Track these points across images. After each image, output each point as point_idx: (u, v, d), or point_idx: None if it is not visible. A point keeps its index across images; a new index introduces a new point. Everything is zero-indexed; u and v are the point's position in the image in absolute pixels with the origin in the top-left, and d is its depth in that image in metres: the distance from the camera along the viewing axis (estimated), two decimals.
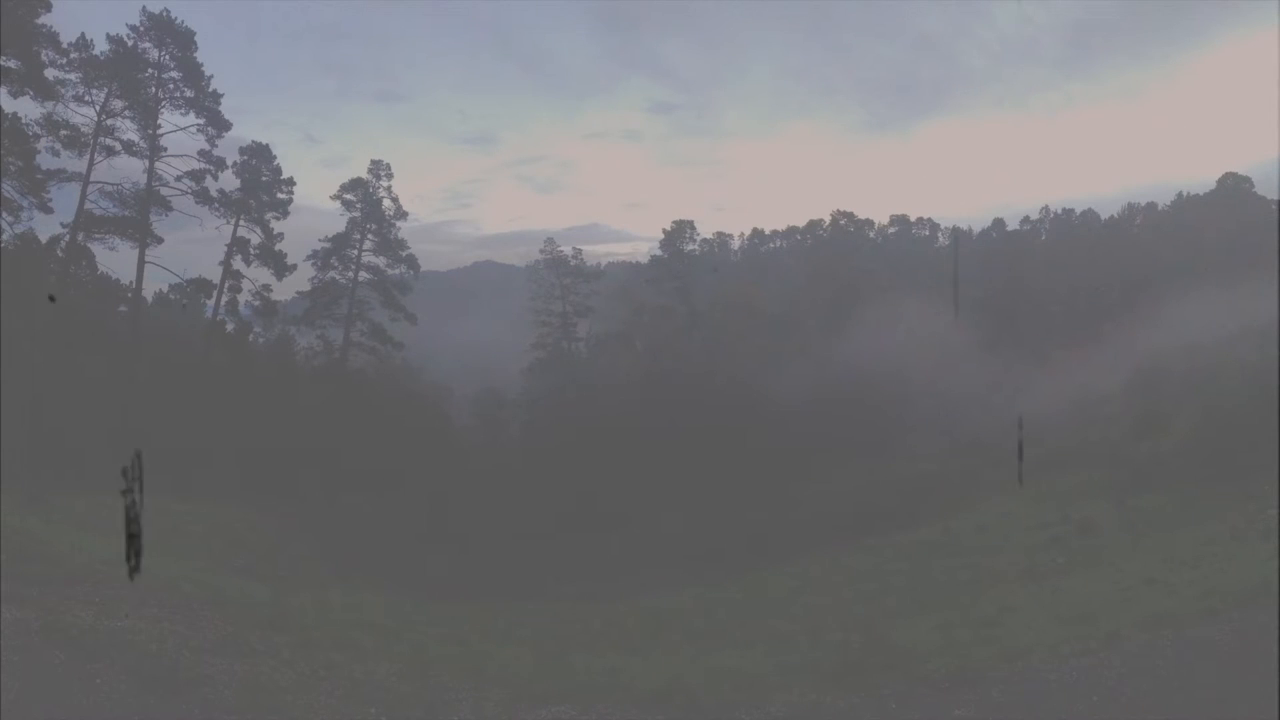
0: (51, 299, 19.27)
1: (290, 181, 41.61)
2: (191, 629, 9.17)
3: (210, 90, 37.51)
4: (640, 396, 51.85)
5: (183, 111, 37.27)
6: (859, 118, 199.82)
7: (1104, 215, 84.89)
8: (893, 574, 21.98)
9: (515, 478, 45.02)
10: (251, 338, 45.08)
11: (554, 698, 8.88)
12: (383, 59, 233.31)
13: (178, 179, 37.70)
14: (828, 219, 76.36)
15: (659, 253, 61.31)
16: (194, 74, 37.18)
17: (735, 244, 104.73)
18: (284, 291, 43.61)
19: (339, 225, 45.28)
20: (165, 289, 47.22)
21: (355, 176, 45.38)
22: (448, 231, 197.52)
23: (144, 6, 36.11)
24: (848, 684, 8.68)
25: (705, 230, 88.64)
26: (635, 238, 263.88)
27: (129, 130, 36.12)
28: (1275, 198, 63.20)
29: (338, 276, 44.88)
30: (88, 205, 35.34)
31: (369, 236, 45.26)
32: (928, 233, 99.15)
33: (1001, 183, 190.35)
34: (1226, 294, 45.99)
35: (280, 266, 40.99)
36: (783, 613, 17.88)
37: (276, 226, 41.12)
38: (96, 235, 36.08)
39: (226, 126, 38.30)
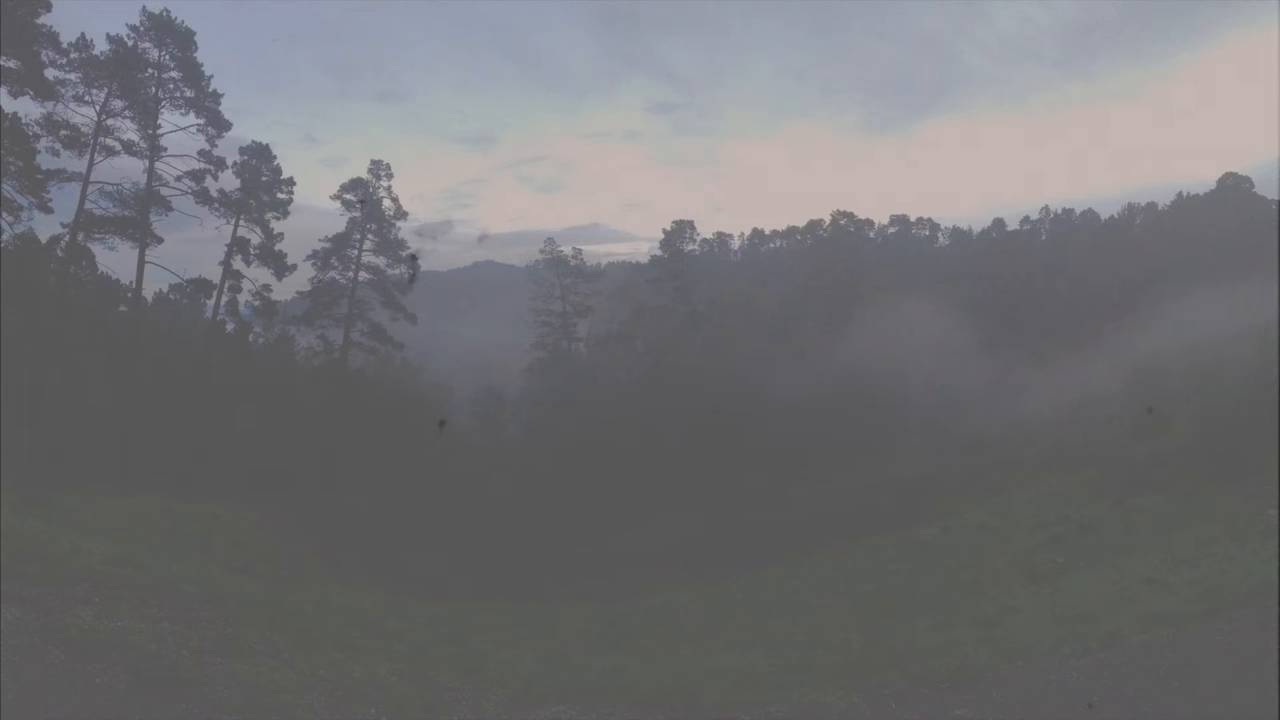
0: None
1: (290, 181, 41.69)
2: (191, 629, 9.16)
3: (210, 90, 37.54)
4: (640, 396, 51.87)
5: (183, 111, 37.32)
6: (859, 118, 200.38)
7: (1104, 215, 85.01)
8: (893, 574, 21.97)
9: (515, 478, 45.04)
10: (251, 338, 45.08)
11: (554, 698, 8.88)
12: (383, 59, 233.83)
13: (178, 179, 37.75)
14: (828, 219, 76.27)
15: (659, 253, 61.42)
16: (194, 74, 37.18)
17: (735, 244, 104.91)
18: (284, 291, 43.69)
19: (339, 225, 45.38)
20: (165, 289, 47.39)
21: (355, 176, 45.48)
22: (448, 231, 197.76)
23: (144, 6, 36.17)
24: (848, 684, 8.67)
25: (705, 230, 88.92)
26: (635, 238, 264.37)
27: (129, 130, 36.17)
28: (1275, 198, 63.45)
29: (338, 276, 44.94)
30: (88, 205, 35.36)
31: (369, 236, 45.29)
32: (928, 233, 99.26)
33: (1001, 183, 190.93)
34: (1226, 294, 46.03)
35: (280, 266, 40.98)
36: (783, 613, 17.87)
37: (276, 226, 41.19)
38: (96, 235, 36.07)
39: (226, 126, 38.35)
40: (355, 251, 44.99)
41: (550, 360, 56.36)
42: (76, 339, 34.10)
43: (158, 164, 37.06)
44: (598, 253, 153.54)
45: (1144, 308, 53.12)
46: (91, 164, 34.99)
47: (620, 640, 15.44)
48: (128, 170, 36.62)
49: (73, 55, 34.23)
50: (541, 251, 58.78)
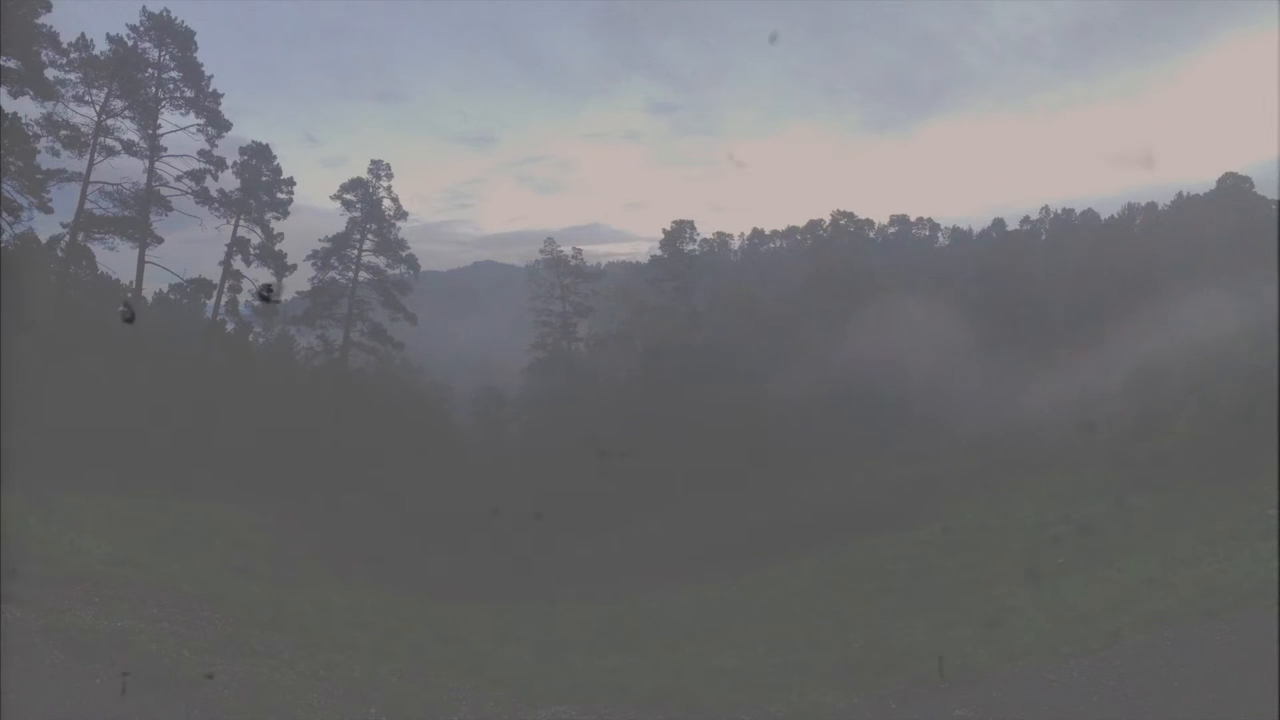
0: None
1: (290, 181, 41.71)
2: (191, 629, 9.17)
3: (210, 90, 37.58)
4: (640, 396, 51.82)
5: (183, 111, 37.37)
6: (859, 118, 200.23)
7: (1104, 215, 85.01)
8: (893, 574, 22.00)
9: (515, 478, 44.99)
10: (251, 338, 45.08)
11: (554, 698, 8.88)
12: (383, 59, 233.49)
13: (178, 179, 37.79)
14: (828, 219, 76.34)
15: (659, 253, 61.37)
16: (194, 74, 37.20)
17: (735, 244, 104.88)
18: (284, 291, 43.66)
19: (339, 225, 45.37)
20: (165, 289, 47.35)
21: (355, 176, 45.45)
22: (448, 231, 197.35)
23: (144, 6, 36.22)
24: (848, 684, 8.68)
25: (705, 230, 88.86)
26: (635, 238, 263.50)
27: (129, 130, 36.23)
28: (1275, 198, 63.32)
29: (338, 276, 44.93)
30: (88, 205, 35.39)
31: (369, 236, 45.29)
32: (928, 233, 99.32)
33: (1001, 183, 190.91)
34: (1226, 294, 46.02)
35: (280, 266, 41.02)
36: (783, 613, 17.90)
37: (276, 226, 41.22)
38: (96, 235, 36.10)
39: (226, 126, 38.37)
40: (355, 251, 45.01)
41: (550, 360, 56.28)
42: (76, 339, 34.06)
43: (158, 164, 37.16)
44: (598, 253, 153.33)
45: (1144, 308, 53.03)
46: (91, 164, 35.07)
47: (620, 640, 15.46)
48: (128, 170, 36.73)
49: (73, 55, 34.28)
50: (541, 251, 58.76)
